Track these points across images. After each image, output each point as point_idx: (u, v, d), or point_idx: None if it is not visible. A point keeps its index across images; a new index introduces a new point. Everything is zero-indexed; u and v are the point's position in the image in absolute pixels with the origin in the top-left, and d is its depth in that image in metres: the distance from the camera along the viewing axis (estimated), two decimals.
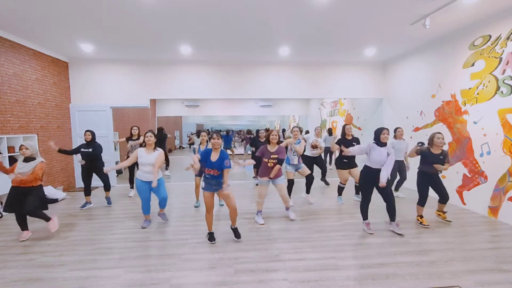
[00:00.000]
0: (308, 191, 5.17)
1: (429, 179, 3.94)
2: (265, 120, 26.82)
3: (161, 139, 7.02)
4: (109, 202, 5.16)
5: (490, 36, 4.33)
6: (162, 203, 4.09)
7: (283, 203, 4.40)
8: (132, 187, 6.03)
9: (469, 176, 4.73)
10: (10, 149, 4.85)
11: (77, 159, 5.05)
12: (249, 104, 14.15)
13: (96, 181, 5.21)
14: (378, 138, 3.62)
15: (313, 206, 5.05)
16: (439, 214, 4.17)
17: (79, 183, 6.69)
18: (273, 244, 3.43)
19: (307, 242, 3.50)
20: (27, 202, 3.55)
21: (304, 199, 5.27)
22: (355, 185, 5.22)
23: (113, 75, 6.69)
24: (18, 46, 5.12)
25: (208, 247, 3.38)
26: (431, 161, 3.85)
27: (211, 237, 3.51)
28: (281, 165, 3.99)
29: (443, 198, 3.99)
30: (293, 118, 18.10)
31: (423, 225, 3.97)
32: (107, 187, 5.14)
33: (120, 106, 6.91)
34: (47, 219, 3.76)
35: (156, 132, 6.38)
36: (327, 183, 6.63)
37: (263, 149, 4.05)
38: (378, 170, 3.59)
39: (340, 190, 5.21)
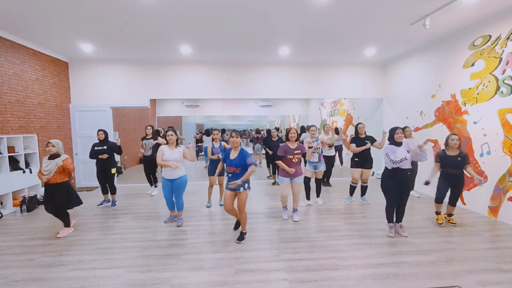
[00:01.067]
0: (318, 195, 5.18)
1: (450, 180, 3.88)
2: (265, 120, 26.77)
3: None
4: (113, 204, 5.14)
5: (490, 36, 4.33)
6: (179, 207, 4.17)
7: (293, 203, 4.35)
8: (156, 186, 6.07)
9: (469, 176, 4.72)
10: (10, 149, 4.84)
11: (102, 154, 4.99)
12: (249, 104, 14.13)
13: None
14: (393, 138, 3.58)
15: (313, 206, 5.05)
16: (446, 218, 4.13)
17: (79, 183, 6.69)
18: (273, 244, 3.43)
19: (307, 242, 3.50)
20: (57, 201, 3.65)
21: (314, 202, 5.21)
22: (362, 186, 5.17)
23: (113, 75, 6.69)
24: (18, 46, 5.11)
25: (209, 247, 3.38)
26: (448, 163, 3.83)
27: (240, 237, 3.55)
28: (304, 157, 4.18)
29: (453, 201, 3.98)
30: (293, 118, 18.09)
31: (439, 223, 4.01)
32: (113, 190, 5.13)
33: (120, 106, 6.90)
34: (67, 224, 3.84)
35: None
36: (329, 185, 6.65)
37: (284, 147, 4.10)
38: (406, 170, 3.51)
39: (351, 189, 5.16)
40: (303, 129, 9.73)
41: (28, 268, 2.94)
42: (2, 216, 4.58)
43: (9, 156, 4.78)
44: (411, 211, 4.65)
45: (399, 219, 3.72)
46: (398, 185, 3.56)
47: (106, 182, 5.08)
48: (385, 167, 3.63)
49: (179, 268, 2.89)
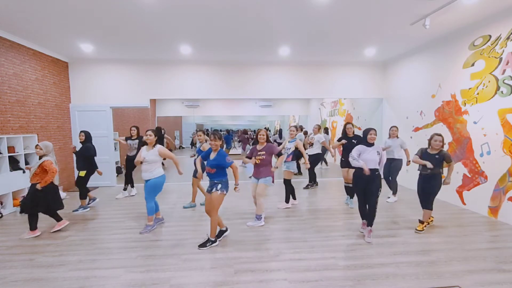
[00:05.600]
0: (287, 200, 4.98)
1: (425, 180, 3.80)
2: (265, 120, 26.79)
3: (160, 138, 7.03)
4: (77, 210, 4.83)
5: (490, 36, 4.32)
6: (148, 210, 3.92)
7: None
8: (125, 189, 5.86)
9: (469, 176, 4.73)
10: (10, 149, 4.84)
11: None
12: (249, 104, 14.14)
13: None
14: (366, 139, 3.61)
15: (313, 206, 5.05)
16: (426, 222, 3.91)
17: None
18: (273, 244, 3.43)
19: (307, 242, 3.50)
20: (40, 203, 3.71)
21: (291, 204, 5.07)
22: (344, 186, 5.14)
23: (113, 75, 6.69)
24: (18, 46, 5.11)
25: (208, 247, 3.37)
26: (426, 160, 3.79)
27: (204, 243, 3.37)
28: (279, 156, 4.13)
29: (426, 204, 3.84)
30: (293, 118, 18.09)
31: (417, 230, 3.81)
32: (81, 195, 4.88)
33: (120, 106, 6.91)
34: (58, 219, 3.88)
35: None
36: (314, 185, 6.56)
37: (252, 149, 4.17)
38: (372, 170, 3.49)
39: (347, 189, 5.11)
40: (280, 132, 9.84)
41: (28, 268, 2.93)
42: (2, 216, 4.58)
43: (9, 156, 4.78)
44: (411, 211, 4.65)
45: (369, 223, 3.57)
46: (366, 184, 3.56)
47: (76, 185, 4.91)
48: (358, 167, 3.62)
49: (178, 268, 2.89)
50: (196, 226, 4.06)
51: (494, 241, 3.51)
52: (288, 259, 3.06)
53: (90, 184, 5.05)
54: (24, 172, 4.99)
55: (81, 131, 4.94)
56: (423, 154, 3.86)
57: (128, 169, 5.81)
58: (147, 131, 3.98)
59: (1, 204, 4.70)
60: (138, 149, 5.62)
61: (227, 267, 2.90)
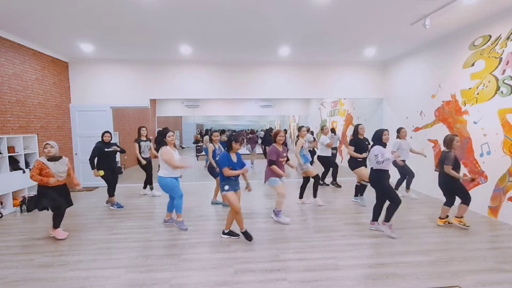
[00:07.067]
0: (315, 195, 5.07)
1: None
2: (265, 120, 26.78)
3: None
4: (113, 205, 5.07)
5: (490, 36, 4.32)
6: (178, 204, 4.01)
7: (278, 205, 4.18)
8: (152, 188, 5.92)
9: (469, 176, 4.72)
10: (10, 149, 4.84)
11: (114, 149, 4.87)
12: (249, 104, 14.11)
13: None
14: (381, 139, 3.64)
15: (313, 206, 5.04)
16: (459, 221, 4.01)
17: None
18: (273, 244, 3.43)
19: (307, 242, 3.50)
20: (70, 199, 3.92)
21: (313, 203, 5.11)
22: (357, 186, 5.14)
23: (113, 75, 6.69)
24: (18, 46, 5.11)
25: (209, 247, 3.38)
26: (458, 164, 3.83)
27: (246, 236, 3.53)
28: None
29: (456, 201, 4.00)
30: (293, 118, 18.09)
31: (465, 225, 3.89)
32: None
33: (120, 106, 6.91)
34: (59, 225, 3.79)
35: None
36: (338, 186, 6.50)
37: (276, 151, 4.07)
38: (387, 171, 3.66)
39: (363, 189, 5.07)
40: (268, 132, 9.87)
41: (28, 268, 2.93)
42: (2, 216, 4.58)
43: (9, 156, 4.77)
44: (411, 211, 4.65)
45: (389, 218, 3.73)
46: (386, 184, 3.66)
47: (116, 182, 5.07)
48: (379, 169, 3.64)
49: (178, 268, 2.89)
50: (196, 226, 4.06)
51: (494, 241, 3.51)
52: (288, 259, 3.06)
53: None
54: (24, 172, 5.00)
55: (107, 132, 4.95)
56: (455, 160, 3.82)
57: (150, 171, 5.76)
58: (168, 132, 3.99)
59: (1, 204, 4.70)
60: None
61: (227, 267, 2.90)
